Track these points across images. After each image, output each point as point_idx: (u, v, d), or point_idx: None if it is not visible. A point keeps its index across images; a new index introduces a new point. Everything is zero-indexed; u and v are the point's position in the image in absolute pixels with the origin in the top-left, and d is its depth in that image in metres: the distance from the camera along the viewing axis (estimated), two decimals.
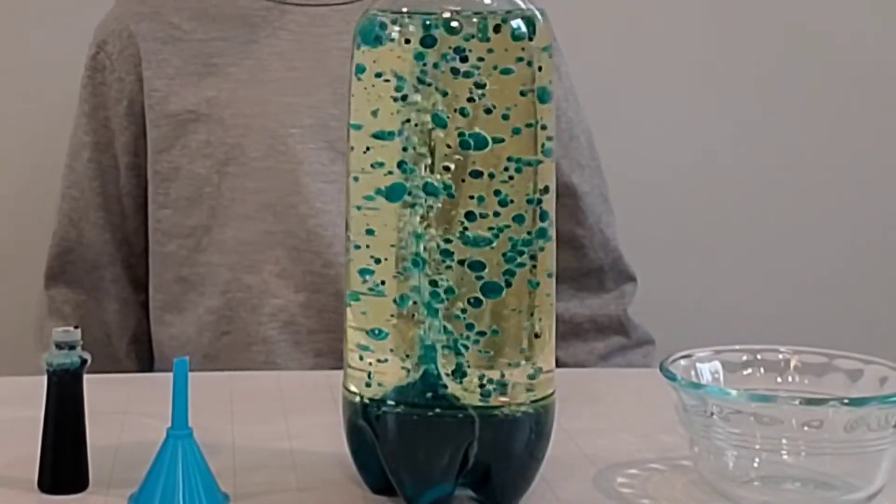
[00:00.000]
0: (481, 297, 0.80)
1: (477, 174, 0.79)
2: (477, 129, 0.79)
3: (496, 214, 0.79)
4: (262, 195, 1.30)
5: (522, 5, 0.81)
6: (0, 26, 1.58)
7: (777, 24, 1.69)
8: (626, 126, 1.68)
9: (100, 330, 1.36)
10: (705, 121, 1.70)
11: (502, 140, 0.80)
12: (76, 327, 0.86)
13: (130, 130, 1.35)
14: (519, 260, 0.80)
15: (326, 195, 1.30)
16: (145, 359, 1.40)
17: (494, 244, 0.79)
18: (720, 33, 1.69)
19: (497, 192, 0.80)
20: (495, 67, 0.79)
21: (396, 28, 0.79)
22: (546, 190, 0.82)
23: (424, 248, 0.79)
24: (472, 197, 0.79)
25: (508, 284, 0.80)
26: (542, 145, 0.81)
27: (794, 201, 1.72)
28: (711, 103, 1.70)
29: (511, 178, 0.80)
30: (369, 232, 0.81)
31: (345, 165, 1.29)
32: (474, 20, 0.79)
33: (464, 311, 0.79)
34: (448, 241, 0.79)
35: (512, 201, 0.80)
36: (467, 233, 0.79)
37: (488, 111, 0.79)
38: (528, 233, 0.80)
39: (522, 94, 0.80)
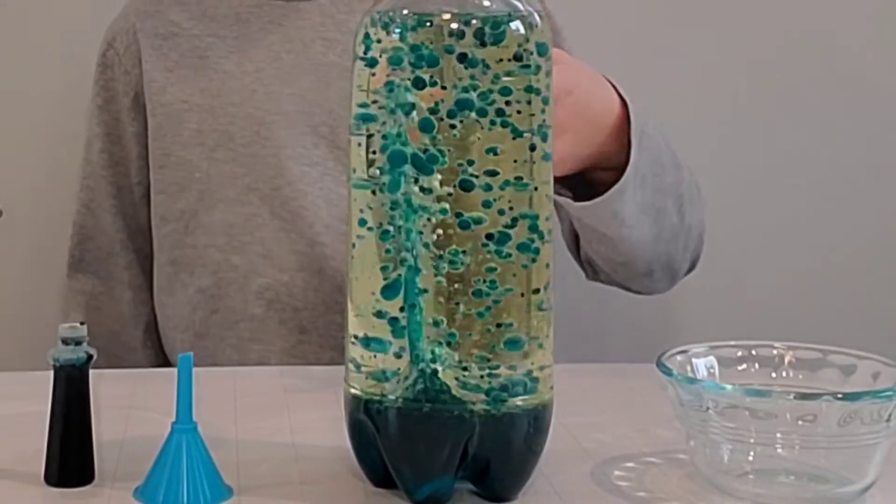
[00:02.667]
0: (481, 294, 0.80)
1: (475, 175, 0.80)
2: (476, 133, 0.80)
3: (497, 213, 0.80)
4: (248, 179, 1.34)
5: (521, 7, 0.81)
6: (30, 27, 1.62)
7: (775, 26, 1.70)
8: None
9: (115, 321, 1.41)
10: (706, 118, 1.70)
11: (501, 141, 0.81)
12: (81, 323, 0.87)
13: (138, 121, 1.40)
14: (518, 258, 0.81)
15: (309, 178, 1.33)
16: (161, 349, 1.43)
17: (493, 243, 0.80)
18: (717, 33, 1.70)
19: (497, 192, 0.81)
20: (494, 69, 0.80)
21: (397, 29, 0.80)
22: (544, 186, 0.82)
23: (424, 249, 0.80)
24: (472, 193, 0.80)
25: (508, 282, 0.81)
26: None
27: (789, 198, 1.72)
28: (710, 102, 1.70)
29: (509, 177, 0.80)
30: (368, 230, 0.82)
31: (328, 150, 1.33)
32: (473, 22, 0.79)
33: (464, 308, 0.80)
34: (448, 240, 0.80)
35: (511, 200, 0.81)
36: (466, 232, 0.80)
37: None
38: (528, 230, 0.81)
39: (521, 95, 0.81)
